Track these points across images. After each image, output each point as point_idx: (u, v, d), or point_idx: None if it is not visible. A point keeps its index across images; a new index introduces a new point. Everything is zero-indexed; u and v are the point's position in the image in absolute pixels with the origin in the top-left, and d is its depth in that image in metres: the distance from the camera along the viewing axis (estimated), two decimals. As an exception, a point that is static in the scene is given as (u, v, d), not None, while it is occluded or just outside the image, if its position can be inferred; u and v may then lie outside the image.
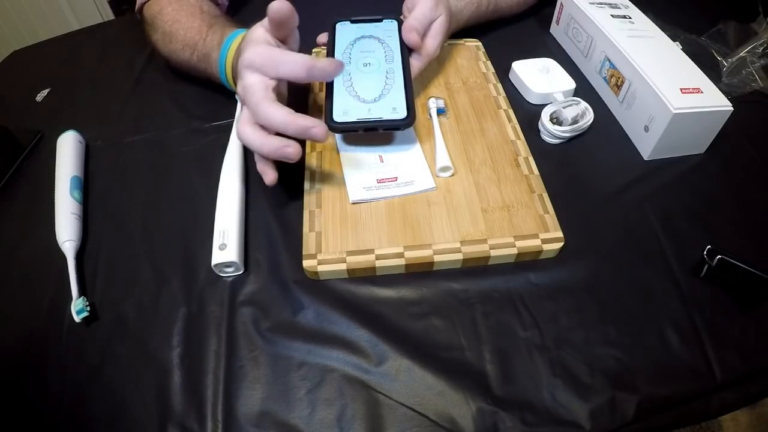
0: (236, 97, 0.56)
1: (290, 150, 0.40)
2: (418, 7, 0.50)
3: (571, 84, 0.57)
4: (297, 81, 0.41)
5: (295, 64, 0.40)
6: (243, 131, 0.41)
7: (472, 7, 0.61)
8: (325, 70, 0.41)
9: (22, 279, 0.44)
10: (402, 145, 0.50)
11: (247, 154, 0.51)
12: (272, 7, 0.41)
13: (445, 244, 0.42)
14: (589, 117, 0.52)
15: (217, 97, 0.58)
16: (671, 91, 0.47)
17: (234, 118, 0.54)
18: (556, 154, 0.52)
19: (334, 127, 0.45)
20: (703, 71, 0.51)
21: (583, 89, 0.58)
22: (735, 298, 0.41)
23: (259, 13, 0.45)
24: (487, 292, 0.42)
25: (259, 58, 0.40)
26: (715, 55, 0.59)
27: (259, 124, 0.41)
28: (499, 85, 0.57)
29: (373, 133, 0.50)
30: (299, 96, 0.49)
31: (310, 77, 0.41)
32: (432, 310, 0.41)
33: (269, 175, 0.43)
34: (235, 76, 0.49)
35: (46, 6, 1.45)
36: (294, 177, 0.49)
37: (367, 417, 0.36)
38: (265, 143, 0.40)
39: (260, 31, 0.43)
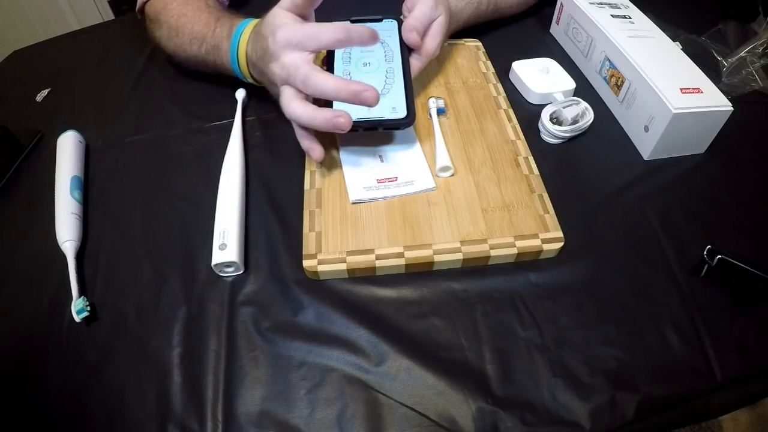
0: (236, 95, 0.56)
1: (342, 120, 0.41)
2: (418, 6, 0.50)
3: (571, 84, 0.57)
4: (339, 47, 0.43)
5: (336, 30, 0.41)
6: (291, 107, 0.42)
7: (472, 6, 0.61)
8: (362, 34, 0.41)
9: (22, 279, 0.44)
10: (402, 145, 0.50)
11: (248, 154, 0.51)
12: None
13: (445, 244, 0.42)
14: (589, 117, 0.52)
15: (217, 97, 0.58)
16: (671, 91, 0.47)
17: (234, 118, 0.54)
18: (556, 154, 0.52)
19: (334, 127, 0.45)
20: (703, 71, 0.51)
21: (583, 89, 0.58)
22: (735, 298, 0.41)
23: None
24: (487, 292, 0.42)
25: (297, 35, 0.41)
26: (715, 55, 0.59)
27: (307, 95, 0.42)
28: (499, 85, 0.57)
29: (373, 133, 0.50)
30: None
31: (349, 40, 0.41)
32: (432, 310, 0.41)
33: (316, 151, 0.45)
34: (248, 65, 0.49)
35: (46, 6, 1.45)
36: (294, 177, 0.49)
37: (367, 417, 0.36)
38: (317, 115, 0.41)
39: (283, 13, 0.43)
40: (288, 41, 0.41)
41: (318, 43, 0.42)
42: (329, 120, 0.41)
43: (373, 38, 0.42)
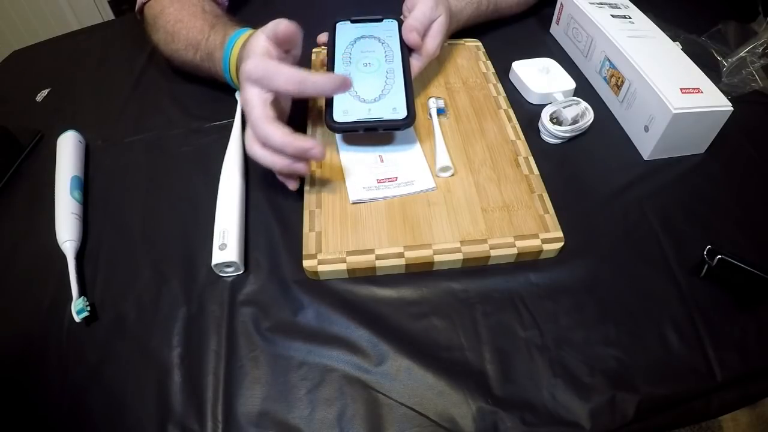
0: (237, 96, 0.56)
1: (300, 166, 0.41)
2: (418, 7, 0.50)
3: (571, 84, 0.57)
4: (290, 95, 0.41)
5: (289, 78, 0.39)
6: (252, 149, 0.42)
7: (472, 6, 0.61)
8: (316, 84, 0.40)
9: (22, 279, 0.44)
10: (402, 145, 0.50)
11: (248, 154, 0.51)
12: (279, 29, 0.41)
13: (445, 244, 0.42)
14: (589, 117, 0.52)
15: (217, 97, 0.58)
16: (671, 91, 0.47)
17: (234, 117, 0.54)
18: (556, 154, 0.52)
19: (334, 126, 0.45)
20: (703, 71, 0.51)
21: (583, 89, 0.58)
22: (735, 298, 0.41)
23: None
24: (487, 292, 0.42)
25: (256, 71, 0.40)
26: (715, 55, 0.59)
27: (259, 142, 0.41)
28: (499, 85, 0.57)
29: (373, 133, 0.50)
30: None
31: (301, 93, 0.41)
32: (432, 310, 0.41)
33: (291, 184, 0.45)
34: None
35: (46, 6, 1.45)
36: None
37: (367, 417, 0.36)
38: (276, 161, 0.41)
39: (261, 40, 0.42)
40: (249, 75, 0.40)
41: (271, 86, 0.40)
42: (289, 166, 0.41)
43: (335, 85, 0.41)
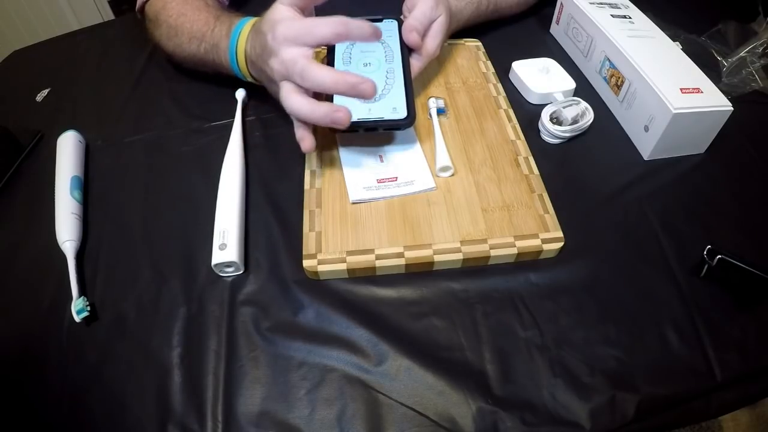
0: (236, 95, 0.56)
1: (340, 114, 0.41)
2: (418, 7, 0.50)
3: (571, 84, 0.57)
4: (338, 41, 0.42)
5: (334, 24, 0.40)
6: (291, 100, 0.42)
7: (472, 6, 0.61)
8: (363, 29, 0.41)
9: (22, 279, 0.44)
10: (402, 145, 0.50)
11: (248, 154, 0.51)
12: None
13: (445, 244, 0.42)
14: (589, 117, 0.52)
15: (217, 96, 0.58)
16: (671, 91, 0.47)
17: (234, 118, 0.54)
18: (556, 154, 0.52)
19: (334, 127, 0.45)
20: (703, 71, 0.51)
21: (583, 89, 0.58)
22: (735, 298, 0.41)
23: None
24: (487, 292, 0.42)
25: (293, 30, 0.41)
26: (715, 55, 0.59)
27: (305, 89, 0.41)
28: (499, 85, 0.57)
29: (373, 133, 0.50)
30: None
31: (347, 34, 0.41)
32: (432, 310, 0.41)
33: (307, 142, 0.44)
34: (247, 63, 0.49)
35: (46, 6, 1.45)
36: (294, 177, 0.49)
37: (367, 417, 0.36)
38: (315, 109, 0.41)
39: (283, 8, 0.43)
40: (285, 37, 0.41)
41: (314, 38, 0.41)
42: (328, 114, 0.41)
43: (375, 35, 0.41)
